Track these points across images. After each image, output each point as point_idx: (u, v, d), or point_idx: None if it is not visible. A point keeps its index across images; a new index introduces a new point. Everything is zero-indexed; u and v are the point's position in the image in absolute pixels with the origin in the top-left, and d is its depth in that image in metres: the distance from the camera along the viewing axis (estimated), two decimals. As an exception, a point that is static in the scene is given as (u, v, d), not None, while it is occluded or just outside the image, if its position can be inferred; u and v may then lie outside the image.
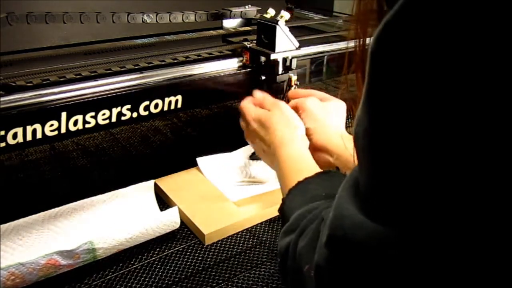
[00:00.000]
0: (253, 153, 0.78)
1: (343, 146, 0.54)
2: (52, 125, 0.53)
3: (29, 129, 0.52)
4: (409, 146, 0.24)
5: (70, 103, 0.54)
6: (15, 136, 0.51)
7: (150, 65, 0.65)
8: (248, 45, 0.70)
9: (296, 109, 0.61)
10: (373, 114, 0.26)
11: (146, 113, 0.61)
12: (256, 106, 0.61)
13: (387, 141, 0.25)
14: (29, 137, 0.52)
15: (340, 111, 0.62)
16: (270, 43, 0.66)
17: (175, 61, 0.68)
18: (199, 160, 0.75)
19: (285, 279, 0.40)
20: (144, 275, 0.55)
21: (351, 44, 0.37)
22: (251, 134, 0.61)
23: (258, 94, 0.64)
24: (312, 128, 0.58)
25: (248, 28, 0.82)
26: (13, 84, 0.55)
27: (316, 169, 0.49)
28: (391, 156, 0.25)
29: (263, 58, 0.69)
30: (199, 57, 0.70)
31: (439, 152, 0.23)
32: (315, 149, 0.57)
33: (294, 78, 0.70)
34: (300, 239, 0.38)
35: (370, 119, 0.26)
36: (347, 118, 0.65)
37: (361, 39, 0.34)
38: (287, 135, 0.55)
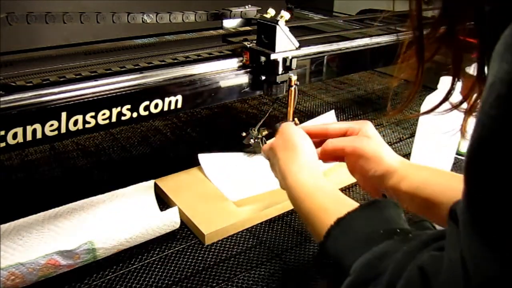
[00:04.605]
0: (246, 146, 0.78)
1: (417, 182, 0.48)
2: (52, 125, 0.53)
3: (29, 129, 0.52)
4: None
5: (70, 103, 0.54)
6: (15, 136, 0.51)
7: (150, 65, 0.65)
8: (248, 45, 0.70)
9: (342, 152, 0.54)
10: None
11: (146, 113, 0.61)
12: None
13: None
14: (29, 137, 0.52)
15: (375, 132, 0.54)
16: (270, 43, 0.66)
17: (175, 61, 0.67)
18: (200, 156, 0.75)
19: None
20: (144, 275, 0.55)
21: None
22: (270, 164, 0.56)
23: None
24: (378, 175, 0.51)
25: (248, 28, 0.81)
26: (13, 84, 0.54)
27: (346, 200, 0.44)
28: None
29: (263, 58, 0.69)
30: (199, 57, 0.70)
31: None
32: (386, 191, 0.51)
33: (294, 78, 0.70)
34: None
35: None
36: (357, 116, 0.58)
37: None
38: (292, 162, 0.49)
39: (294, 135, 0.52)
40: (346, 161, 0.55)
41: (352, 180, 0.75)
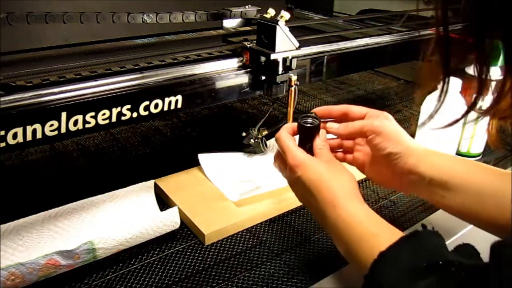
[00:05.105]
0: (246, 146, 0.78)
1: (437, 165, 0.48)
2: (52, 125, 0.53)
3: (29, 129, 0.52)
4: None
5: (70, 103, 0.54)
6: (15, 136, 0.51)
7: (150, 65, 0.65)
8: (248, 45, 0.70)
9: (360, 133, 0.52)
10: None
11: (146, 113, 0.61)
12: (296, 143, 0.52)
13: None
14: (29, 137, 0.52)
15: (394, 120, 0.53)
16: (270, 43, 0.66)
17: (175, 61, 0.67)
18: (201, 156, 0.75)
19: None
20: (144, 275, 0.55)
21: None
22: (293, 182, 0.51)
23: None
24: (396, 152, 0.50)
25: (248, 28, 0.81)
26: (13, 84, 0.54)
27: (389, 228, 0.43)
28: None
29: (263, 58, 0.69)
30: (199, 57, 0.70)
31: None
32: (403, 174, 0.50)
33: (294, 78, 0.70)
34: None
35: None
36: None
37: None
38: (340, 191, 0.46)
39: (334, 160, 0.51)
40: (356, 150, 0.56)
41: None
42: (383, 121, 0.51)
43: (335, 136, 0.57)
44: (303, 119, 0.53)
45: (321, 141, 0.52)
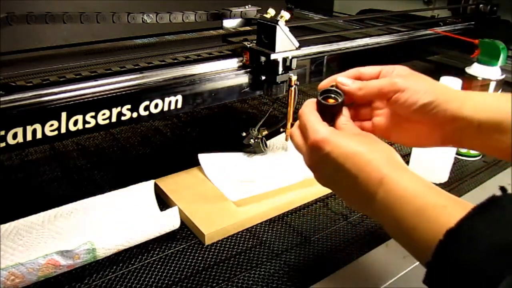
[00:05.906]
0: (246, 146, 0.77)
1: (484, 105, 0.40)
2: (52, 125, 0.53)
3: (29, 129, 0.52)
4: None
5: (70, 103, 0.54)
6: (15, 136, 0.51)
7: (150, 65, 0.65)
8: (248, 45, 0.70)
9: (379, 95, 0.45)
10: None
11: (146, 113, 0.61)
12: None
13: None
14: (29, 137, 0.52)
15: (412, 71, 0.46)
16: (270, 43, 0.66)
17: (175, 61, 0.68)
18: (200, 156, 0.75)
19: None
20: (144, 275, 0.55)
21: None
22: (319, 162, 0.43)
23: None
24: (431, 101, 0.41)
25: (248, 28, 0.82)
26: (13, 84, 0.54)
27: (455, 199, 0.35)
28: None
29: (263, 58, 0.69)
30: (199, 57, 0.70)
31: None
32: (445, 123, 0.42)
33: (294, 78, 0.70)
34: None
35: None
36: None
37: None
38: (384, 163, 0.39)
39: (362, 132, 0.44)
40: (374, 115, 0.48)
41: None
42: (401, 77, 0.44)
43: None
44: (323, 94, 0.46)
45: (345, 118, 0.45)
